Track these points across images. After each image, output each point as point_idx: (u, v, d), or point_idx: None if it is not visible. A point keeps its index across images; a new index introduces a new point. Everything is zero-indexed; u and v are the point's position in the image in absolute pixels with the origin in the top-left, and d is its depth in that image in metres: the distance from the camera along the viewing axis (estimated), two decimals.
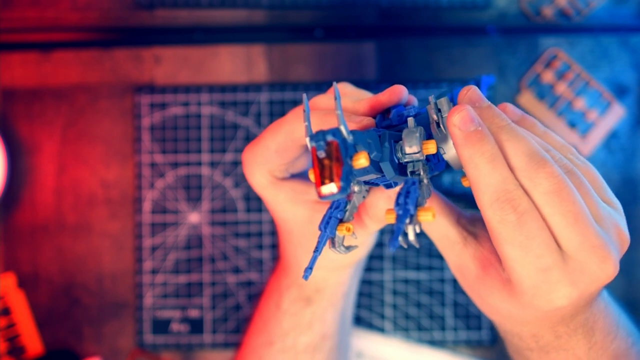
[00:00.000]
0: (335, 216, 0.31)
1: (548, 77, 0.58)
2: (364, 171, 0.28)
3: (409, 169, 0.30)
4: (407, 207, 0.27)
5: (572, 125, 0.59)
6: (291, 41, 0.59)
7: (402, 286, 0.58)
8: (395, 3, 0.59)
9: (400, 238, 0.27)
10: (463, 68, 0.59)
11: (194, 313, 0.58)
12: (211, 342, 0.58)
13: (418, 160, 0.30)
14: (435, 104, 0.31)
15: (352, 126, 0.30)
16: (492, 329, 0.57)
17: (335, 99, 0.27)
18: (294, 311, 0.40)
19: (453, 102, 0.33)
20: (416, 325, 0.58)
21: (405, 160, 0.30)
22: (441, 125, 0.31)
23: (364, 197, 0.33)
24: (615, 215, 0.30)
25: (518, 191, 0.28)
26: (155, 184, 0.59)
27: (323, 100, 0.35)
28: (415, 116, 0.32)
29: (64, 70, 0.60)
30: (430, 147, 0.29)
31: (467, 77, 0.59)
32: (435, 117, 0.31)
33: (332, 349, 0.42)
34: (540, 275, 0.28)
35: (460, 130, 0.28)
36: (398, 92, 0.32)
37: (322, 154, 0.25)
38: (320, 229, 0.31)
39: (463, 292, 0.57)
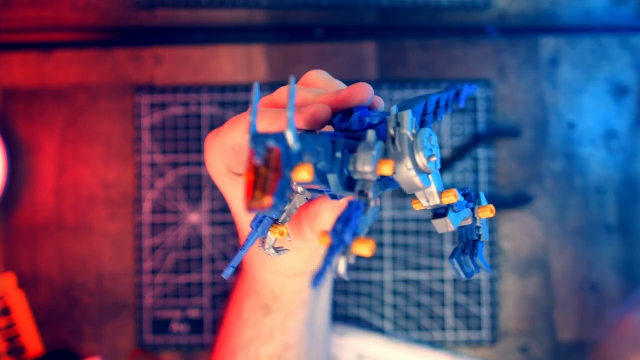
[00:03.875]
0: (270, 216, 0.29)
1: None
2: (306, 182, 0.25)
3: (357, 187, 0.26)
4: (342, 236, 0.23)
5: None
6: (291, 41, 0.59)
7: (402, 286, 0.58)
8: (395, 3, 0.59)
9: (328, 268, 0.23)
10: (463, 68, 0.59)
11: (194, 313, 0.58)
12: (211, 342, 0.58)
13: (369, 181, 0.26)
14: (396, 116, 0.27)
15: (301, 119, 0.27)
16: (492, 328, 0.57)
17: (289, 97, 0.22)
18: (253, 320, 0.39)
19: (426, 111, 0.30)
20: (416, 325, 0.58)
21: (356, 177, 0.26)
22: (396, 142, 0.26)
23: (307, 199, 0.30)
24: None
25: None
26: (155, 184, 0.59)
27: (285, 95, 0.31)
28: (378, 124, 0.28)
29: (64, 70, 0.60)
30: (385, 168, 0.25)
31: (466, 77, 0.59)
32: (392, 131, 0.26)
33: (298, 358, 0.40)
34: None
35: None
36: (360, 92, 0.29)
37: (258, 160, 0.22)
38: (251, 226, 0.29)
39: (463, 292, 0.57)
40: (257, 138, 0.22)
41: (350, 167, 0.26)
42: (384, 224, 0.58)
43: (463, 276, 0.29)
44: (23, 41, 0.60)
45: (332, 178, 0.25)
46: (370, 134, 0.26)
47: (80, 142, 0.59)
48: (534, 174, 0.58)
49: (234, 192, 0.34)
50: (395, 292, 0.58)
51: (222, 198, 0.58)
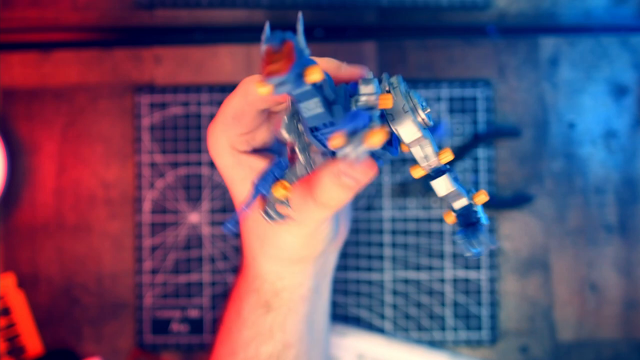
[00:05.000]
0: (273, 172, 0.29)
1: None
2: (315, 107, 0.25)
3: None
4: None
5: None
6: None
7: (402, 286, 0.58)
8: (395, 3, 0.59)
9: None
10: (463, 68, 0.59)
11: (194, 313, 0.58)
12: (211, 342, 0.58)
13: (374, 107, 0.26)
14: (389, 80, 0.29)
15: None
16: (492, 328, 0.57)
17: (299, 20, 0.24)
18: (254, 319, 0.39)
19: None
20: (416, 325, 0.58)
21: (359, 104, 0.27)
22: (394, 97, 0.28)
23: (307, 171, 0.30)
24: None
25: None
26: (155, 184, 0.59)
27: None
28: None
29: (64, 70, 0.60)
30: (386, 102, 0.26)
31: (467, 77, 0.59)
32: (387, 87, 0.29)
33: (297, 357, 0.40)
34: None
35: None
36: (358, 73, 0.30)
37: (275, 47, 0.23)
38: (253, 183, 0.29)
39: (463, 292, 0.57)
40: (273, 34, 0.23)
41: (352, 106, 0.27)
42: (384, 224, 0.58)
43: (470, 251, 0.30)
44: (23, 41, 0.60)
45: (337, 109, 0.26)
46: (367, 71, 0.28)
47: (80, 142, 0.59)
48: (534, 174, 0.58)
49: (237, 173, 0.34)
50: (395, 292, 0.58)
51: (222, 198, 0.58)
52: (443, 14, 0.59)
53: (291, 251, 0.35)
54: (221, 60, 0.59)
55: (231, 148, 0.34)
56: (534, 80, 0.59)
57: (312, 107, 0.25)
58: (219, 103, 0.58)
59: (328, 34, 0.59)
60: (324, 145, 0.28)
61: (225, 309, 0.42)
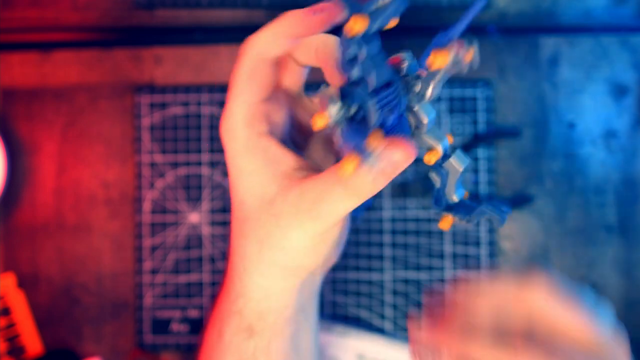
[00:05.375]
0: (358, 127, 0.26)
1: None
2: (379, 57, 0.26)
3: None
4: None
5: None
6: None
7: (402, 286, 0.58)
8: None
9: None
10: None
11: (194, 313, 0.58)
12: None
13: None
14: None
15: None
16: None
17: None
18: (236, 344, 0.36)
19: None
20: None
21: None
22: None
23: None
24: None
25: None
26: (155, 184, 0.59)
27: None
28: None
29: (64, 70, 0.60)
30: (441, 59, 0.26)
31: (467, 77, 0.59)
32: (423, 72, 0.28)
33: None
34: None
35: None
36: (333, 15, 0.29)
37: None
38: (342, 137, 0.26)
39: None
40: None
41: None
42: (383, 224, 0.58)
43: (501, 221, 0.28)
44: (23, 41, 0.60)
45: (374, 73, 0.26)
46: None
47: (80, 142, 0.59)
48: (534, 174, 0.58)
49: (248, 163, 0.31)
50: (395, 292, 0.58)
51: (222, 198, 0.58)
52: (443, 14, 0.59)
53: (294, 254, 0.32)
54: (221, 60, 0.59)
55: (247, 127, 0.31)
56: (534, 80, 0.59)
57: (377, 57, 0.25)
58: (219, 103, 0.58)
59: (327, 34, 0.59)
60: (390, 110, 0.27)
61: (207, 327, 0.39)
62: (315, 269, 0.34)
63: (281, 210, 0.30)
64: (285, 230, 0.30)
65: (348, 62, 0.26)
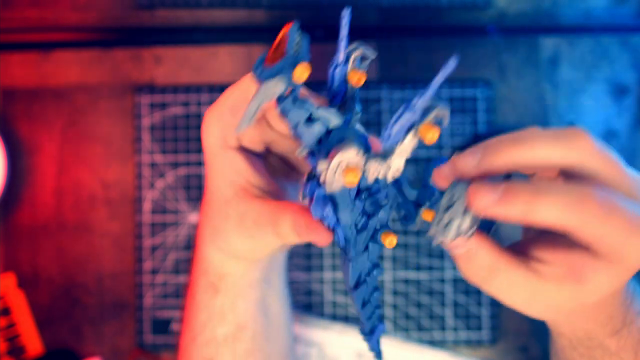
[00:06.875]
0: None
1: None
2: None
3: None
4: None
5: None
6: None
7: (402, 286, 0.58)
8: (396, 3, 0.59)
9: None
10: (463, 68, 0.59)
11: None
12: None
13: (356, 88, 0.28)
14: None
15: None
16: (492, 328, 0.57)
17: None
18: (205, 301, 0.40)
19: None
20: (416, 325, 0.58)
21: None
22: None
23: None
24: None
25: None
26: (155, 184, 0.59)
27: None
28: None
29: (64, 70, 0.60)
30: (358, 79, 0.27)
31: (467, 77, 0.59)
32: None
33: (253, 338, 0.41)
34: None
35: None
36: None
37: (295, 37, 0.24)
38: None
39: (463, 292, 0.57)
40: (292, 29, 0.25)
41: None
42: None
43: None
44: (23, 41, 0.60)
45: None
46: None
47: (80, 142, 0.59)
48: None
49: (222, 162, 0.34)
50: (395, 292, 0.58)
51: None
52: (443, 14, 0.59)
53: (236, 251, 0.36)
54: (221, 60, 0.59)
55: (222, 139, 0.34)
56: (534, 80, 0.59)
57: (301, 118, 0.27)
58: None
59: (328, 34, 0.59)
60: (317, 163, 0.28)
61: (186, 296, 0.43)
62: (264, 258, 0.38)
63: (230, 214, 0.33)
64: (229, 233, 0.34)
65: (294, 129, 0.28)
